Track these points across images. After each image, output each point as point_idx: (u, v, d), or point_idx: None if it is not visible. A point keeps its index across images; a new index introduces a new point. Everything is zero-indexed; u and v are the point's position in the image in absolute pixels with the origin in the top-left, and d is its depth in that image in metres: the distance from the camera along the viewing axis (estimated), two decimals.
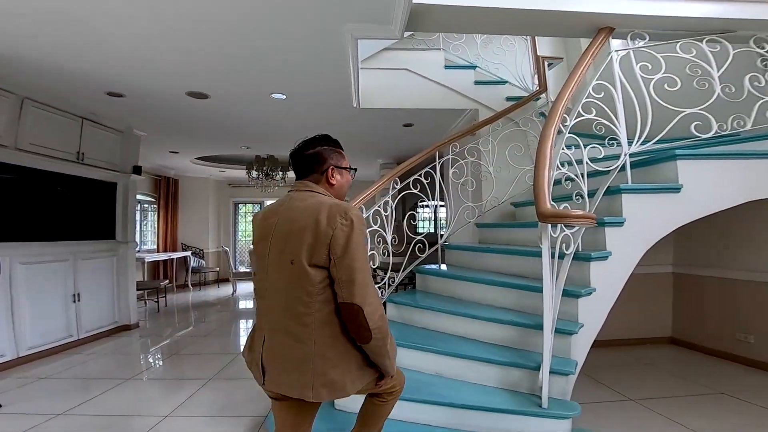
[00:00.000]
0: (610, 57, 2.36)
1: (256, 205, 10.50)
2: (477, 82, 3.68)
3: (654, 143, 2.33)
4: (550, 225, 1.80)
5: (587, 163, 2.25)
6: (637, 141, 2.32)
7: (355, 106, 3.66)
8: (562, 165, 2.18)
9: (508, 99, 3.66)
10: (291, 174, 8.13)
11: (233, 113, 4.20)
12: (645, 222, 2.24)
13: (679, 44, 2.36)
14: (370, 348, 1.16)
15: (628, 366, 3.25)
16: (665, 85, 2.31)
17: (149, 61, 2.81)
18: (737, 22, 2.30)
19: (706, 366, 3.21)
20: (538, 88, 3.49)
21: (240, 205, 10.42)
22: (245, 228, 10.54)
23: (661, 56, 2.34)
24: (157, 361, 3.59)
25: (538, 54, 3.47)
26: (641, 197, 2.24)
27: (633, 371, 3.11)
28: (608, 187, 2.26)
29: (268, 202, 14.69)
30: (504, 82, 3.71)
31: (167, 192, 8.16)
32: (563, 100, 2.19)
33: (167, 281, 6.54)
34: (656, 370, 3.16)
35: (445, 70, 3.68)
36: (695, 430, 2.11)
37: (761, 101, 2.39)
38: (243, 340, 4.55)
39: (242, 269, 10.15)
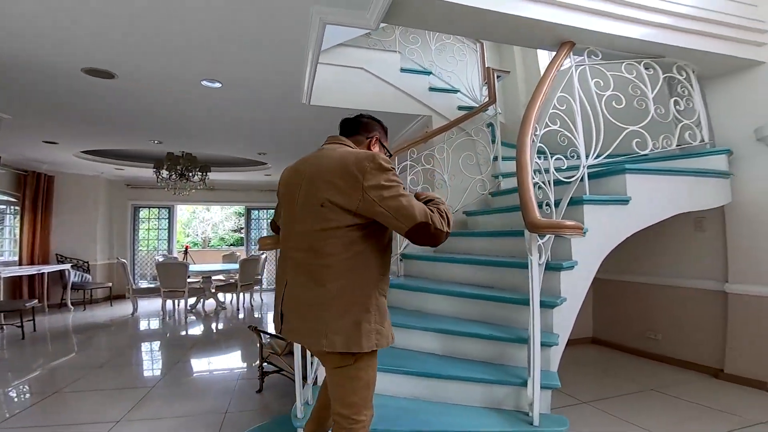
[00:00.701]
0: (570, 71, 2.47)
1: (163, 209, 9.15)
2: (431, 89, 3.65)
3: (605, 157, 2.49)
4: (538, 235, 1.75)
5: (553, 172, 2.30)
6: (593, 154, 2.45)
7: (304, 102, 3.33)
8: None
9: (460, 108, 3.69)
10: (214, 176, 7.34)
11: (146, 100, 3.51)
12: (602, 232, 2.35)
13: (623, 65, 2.58)
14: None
15: (563, 367, 3.43)
16: (613, 102, 2.50)
17: (25, 22, 2.14)
18: (664, 47, 2.57)
19: (626, 363, 3.56)
20: (486, 100, 3.58)
21: (141, 210, 8.97)
22: (147, 236, 9.10)
23: (611, 74, 2.54)
24: (23, 403, 2.72)
25: (487, 66, 3.56)
26: (599, 208, 2.36)
27: (571, 372, 3.29)
28: (571, 197, 2.34)
29: (182, 207, 13.01)
30: (456, 91, 3.75)
31: (36, 191, 6.60)
32: (536, 108, 2.21)
33: (35, 301, 5.22)
34: (592, 370, 3.39)
35: (400, 73, 3.57)
36: (649, 429, 2.24)
37: (682, 123, 2.74)
38: (154, 367, 3.80)
39: (144, 284, 8.70)
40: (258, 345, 3.07)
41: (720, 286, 3.12)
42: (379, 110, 3.51)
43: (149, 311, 6.60)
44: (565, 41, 2.43)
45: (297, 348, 1.92)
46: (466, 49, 3.75)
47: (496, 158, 3.55)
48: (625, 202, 2.41)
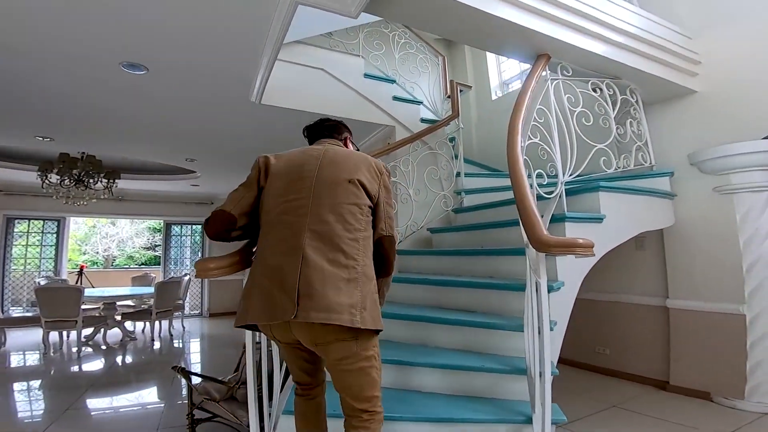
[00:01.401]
0: (546, 84, 2.43)
1: (50, 222, 7.60)
2: (395, 98, 3.45)
3: (578, 175, 2.48)
4: (545, 255, 1.58)
5: (536, 188, 2.21)
6: (569, 170, 2.42)
7: (253, 100, 2.89)
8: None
9: (423, 120, 3.54)
10: (124, 184, 6.18)
11: (38, 84, 2.77)
12: None
13: (590, 83, 2.63)
14: (387, 280, 1.34)
15: None
16: (583, 119, 2.51)
17: None
18: (621, 67, 2.65)
19: (579, 378, 3.60)
20: (449, 114, 3.49)
21: (17, 222, 7.34)
22: (25, 253, 7.45)
23: (580, 92, 2.56)
24: None
25: (451, 79, 3.48)
26: (579, 225, 2.31)
27: None
28: (553, 214, 2.25)
29: (78, 220, 10.94)
30: (419, 102, 3.60)
31: None
32: (521, 119, 2.11)
33: None
34: (554, 387, 3.34)
35: (364, 78, 3.32)
36: None
37: (636, 144, 2.88)
38: (29, 407, 2.92)
39: (17, 313, 7.04)
40: (187, 389, 2.47)
41: (662, 301, 3.31)
42: (340, 116, 3.17)
43: (24, 344, 5.27)
44: (542, 53, 2.39)
45: (250, 388, 1.50)
46: (429, 61, 3.65)
47: (458, 174, 3.43)
48: (600, 219, 2.40)
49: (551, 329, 1.89)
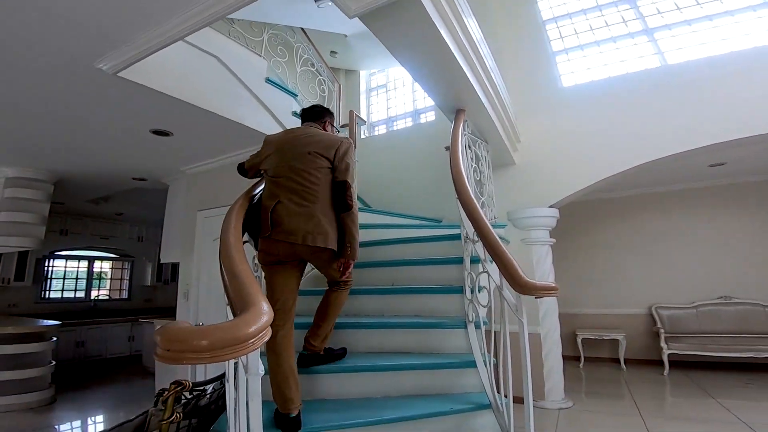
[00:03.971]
0: (460, 138, 2.69)
1: None
2: (295, 114, 3.00)
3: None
4: (527, 298, 1.70)
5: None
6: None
7: (103, 68, 1.93)
8: None
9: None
10: None
11: None
12: None
13: (476, 142, 3.10)
14: (349, 216, 1.68)
15: None
16: (475, 174, 2.93)
17: None
18: (491, 129, 3.17)
19: None
20: None
21: None
22: None
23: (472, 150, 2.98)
24: None
25: (351, 110, 3.35)
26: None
27: None
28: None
29: None
30: None
31: None
32: (461, 166, 2.26)
33: None
34: None
35: (266, 83, 2.75)
36: None
37: (492, 200, 3.55)
38: None
39: None
40: None
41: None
42: (230, 118, 2.53)
43: None
44: (461, 108, 2.66)
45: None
46: (326, 85, 3.42)
47: None
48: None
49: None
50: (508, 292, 1.75)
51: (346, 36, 3.88)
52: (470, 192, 2.07)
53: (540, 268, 3.76)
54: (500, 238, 3.13)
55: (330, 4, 2.87)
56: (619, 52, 3.76)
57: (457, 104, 2.64)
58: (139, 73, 2.06)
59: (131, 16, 1.59)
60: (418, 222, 3.63)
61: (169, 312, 3.91)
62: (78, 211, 5.91)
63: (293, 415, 1.46)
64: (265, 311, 0.80)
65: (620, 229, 5.43)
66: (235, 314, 0.86)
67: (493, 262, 1.71)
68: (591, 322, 5.30)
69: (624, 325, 5.11)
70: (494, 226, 3.21)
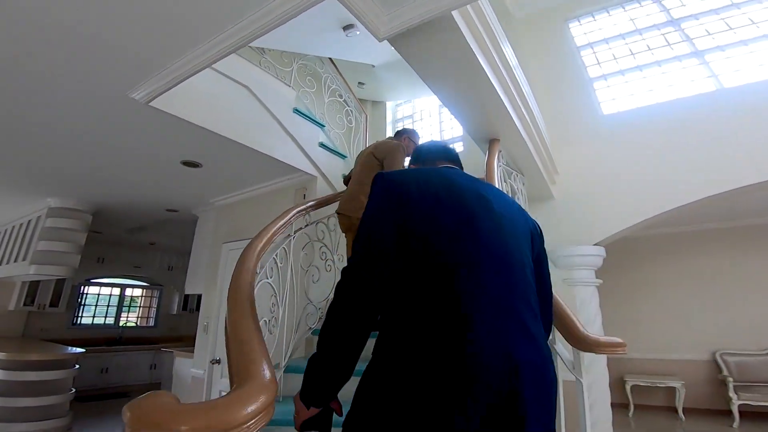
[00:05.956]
0: (498, 168, 2.51)
1: None
2: (322, 145, 2.95)
3: None
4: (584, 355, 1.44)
5: None
6: None
7: (137, 98, 1.94)
8: None
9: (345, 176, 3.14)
10: None
11: None
12: None
13: (512, 174, 2.89)
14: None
15: None
16: None
17: None
18: (528, 159, 2.93)
19: None
20: None
21: None
22: None
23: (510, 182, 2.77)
24: None
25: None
26: None
27: None
28: None
29: None
30: (344, 156, 3.19)
31: None
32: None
33: None
34: None
35: (293, 113, 2.73)
36: None
37: None
38: None
39: None
40: None
41: None
42: (258, 149, 2.49)
43: None
44: (495, 138, 2.50)
45: None
46: (353, 116, 3.38)
47: None
48: None
49: None
50: (561, 346, 1.50)
51: (373, 66, 3.89)
52: None
53: (585, 311, 3.38)
54: None
55: (358, 33, 2.87)
56: (665, 76, 3.52)
57: (491, 132, 2.48)
58: (170, 103, 2.06)
59: (166, 41, 1.57)
60: None
61: (190, 342, 3.82)
62: (114, 240, 6.09)
63: None
64: (266, 384, 0.63)
65: (674, 267, 4.96)
66: (231, 383, 0.69)
67: None
68: (641, 368, 4.76)
69: (681, 371, 4.55)
70: None
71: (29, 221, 3.97)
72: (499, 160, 2.61)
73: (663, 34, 3.71)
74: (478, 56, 1.62)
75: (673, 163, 3.18)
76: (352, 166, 3.34)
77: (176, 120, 2.15)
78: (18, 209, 4.11)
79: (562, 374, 1.37)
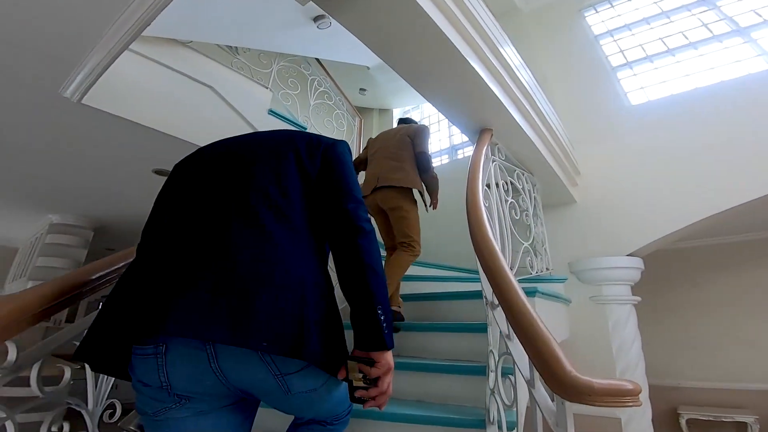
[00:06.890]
0: (489, 164, 2.15)
1: None
2: None
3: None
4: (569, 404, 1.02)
5: None
6: (509, 264, 2.08)
7: (68, 96, 1.78)
8: None
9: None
10: None
11: None
12: None
13: (515, 172, 2.50)
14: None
15: None
16: (513, 212, 2.29)
17: None
18: (537, 159, 2.57)
19: None
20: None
21: None
22: None
23: (510, 181, 2.38)
24: None
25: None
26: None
27: None
28: None
29: None
30: None
31: None
32: (477, 199, 1.71)
33: None
34: None
35: (267, 115, 2.54)
36: None
37: (544, 246, 2.82)
38: None
39: None
40: None
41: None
42: None
43: None
44: (486, 128, 2.15)
45: None
46: (345, 119, 3.16)
47: None
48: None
49: None
50: (544, 391, 1.08)
51: (368, 68, 3.67)
52: (487, 228, 1.48)
53: (619, 334, 2.80)
54: (556, 296, 2.44)
55: (330, 24, 2.64)
56: (703, 59, 3.01)
57: (480, 121, 2.13)
58: (118, 104, 1.91)
59: (72, 31, 1.41)
60: (448, 273, 3.00)
61: None
62: None
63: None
64: None
65: (733, 282, 4.21)
66: None
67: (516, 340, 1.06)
68: (699, 398, 3.99)
69: (752, 403, 3.76)
70: (547, 281, 2.54)
71: (36, 238, 4.04)
72: (494, 154, 2.25)
73: (694, 15, 3.22)
74: (433, 17, 1.30)
75: (724, 155, 2.62)
76: None
77: (130, 124, 1.99)
78: (25, 227, 4.21)
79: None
